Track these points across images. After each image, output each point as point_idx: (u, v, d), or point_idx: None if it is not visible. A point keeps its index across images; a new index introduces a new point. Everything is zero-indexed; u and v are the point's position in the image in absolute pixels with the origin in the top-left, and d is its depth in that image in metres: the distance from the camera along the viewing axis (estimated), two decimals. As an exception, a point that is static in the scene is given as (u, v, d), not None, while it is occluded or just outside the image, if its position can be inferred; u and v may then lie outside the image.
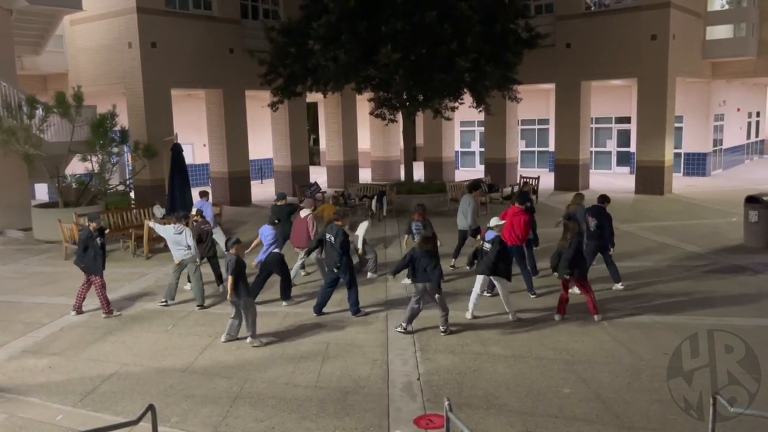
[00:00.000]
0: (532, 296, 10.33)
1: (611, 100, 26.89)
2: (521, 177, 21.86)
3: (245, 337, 8.56)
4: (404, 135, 21.49)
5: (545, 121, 29.12)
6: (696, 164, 26.31)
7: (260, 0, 22.35)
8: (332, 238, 9.47)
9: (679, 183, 23.47)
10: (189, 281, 10.79)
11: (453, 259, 12.18)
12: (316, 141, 36.88)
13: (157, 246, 14.00)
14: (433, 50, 17.18)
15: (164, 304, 10.33)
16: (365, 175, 28.04)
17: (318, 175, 26.29)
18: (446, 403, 4.80)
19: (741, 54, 23.87)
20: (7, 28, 17.29)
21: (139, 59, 18.74)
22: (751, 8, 23.97)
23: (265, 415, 6.55)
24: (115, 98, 18.28)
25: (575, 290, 9.68)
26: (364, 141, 29.13)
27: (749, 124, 31.35)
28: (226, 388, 7.22)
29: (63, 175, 17.13)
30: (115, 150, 17.52)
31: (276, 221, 10.74)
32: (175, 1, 19.84)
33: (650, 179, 21.60)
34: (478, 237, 10.23)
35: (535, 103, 27.52)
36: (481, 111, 20.09)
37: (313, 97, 23.86)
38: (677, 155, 25.15)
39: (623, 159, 27.69)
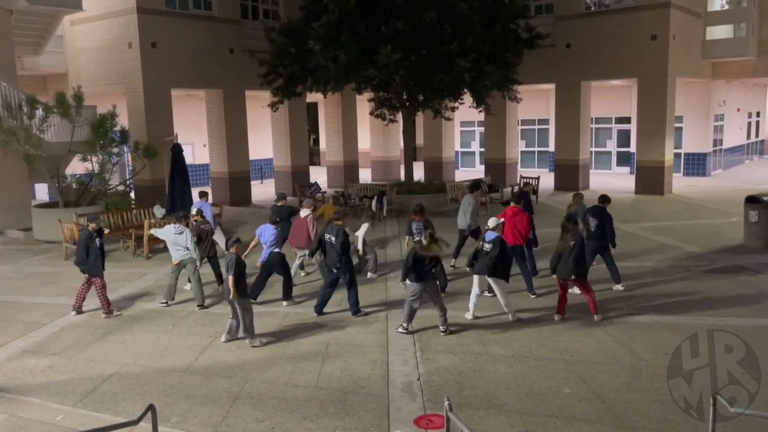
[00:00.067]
0: (532, 296, 10.34)
1: (611, 100, 26.88)
2: (521, 177, 21.85)
3: (245, 338, 8.56)
4: (404, 135, 21.49)
5: (545, 121, 29.11)
6: (696, 164, 26.31)
7: (260, 0, 22.34)
8: (332, 238, 9.48)
9: (679, 183, 23.46)
10: (189, 281, 10.79)
11: (453, 259, 12.18)
12: (316, 141, 36.86)
13: (157, 246, 13.97)
14: (433, 50, 17.18)
15: (164, 304, 10.34)
16: (365, 175, 28.03)
17: (318, 175, 26.27)
18: (446, 403, 4.81)
19: (741, 54, 23.88)
20: (7, 28, 17.29)
21: (139, 59, 18.74)
22: (751, 8, 23.97)
23: (266, 415, 6.55)
24: (115, 98, 18.28)
25: (575, 290, 9.69)
26: (364, 141, 29.11)
27: (749, 124, 31.35)
28: (227, 388, 7.22)
29: (63, 176, 17.13)
30: (115, 150, 17.52)
31: (276, 221, 10.76)
32: (175, 2, 19.83)
33: (650, 179, 21.59)
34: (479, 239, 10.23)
35: (535, 103, 27.50)
36: (481, 111, 20.09)
37: (313, 97, 23.86)
38: (677, 155, 25.15)
39: (623, 159, 27.68)
